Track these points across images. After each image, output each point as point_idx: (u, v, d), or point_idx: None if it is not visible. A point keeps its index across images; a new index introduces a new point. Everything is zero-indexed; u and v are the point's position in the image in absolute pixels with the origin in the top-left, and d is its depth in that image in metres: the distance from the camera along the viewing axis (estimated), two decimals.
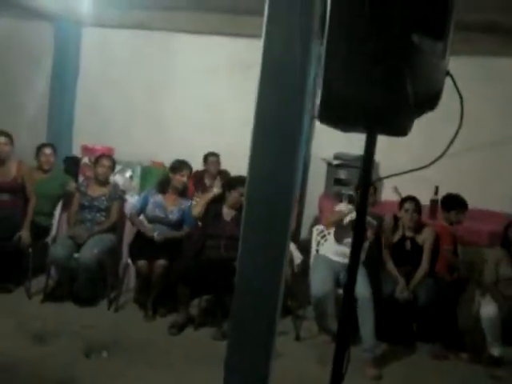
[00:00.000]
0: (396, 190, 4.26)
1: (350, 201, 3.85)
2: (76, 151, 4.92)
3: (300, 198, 4.68)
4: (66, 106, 5.20)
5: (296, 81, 1.24)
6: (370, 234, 3.43)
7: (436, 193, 4.05)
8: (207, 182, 4.46)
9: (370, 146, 1.24)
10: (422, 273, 3.42)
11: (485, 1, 3.34)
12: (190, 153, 4.19)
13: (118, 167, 4.27)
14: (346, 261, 3.39)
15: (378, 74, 1.09)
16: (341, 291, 3.37)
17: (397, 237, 3.59)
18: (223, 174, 4.35)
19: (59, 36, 5.13)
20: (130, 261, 3.61)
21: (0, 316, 3.26)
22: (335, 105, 1.17)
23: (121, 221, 3.96)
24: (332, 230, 3.62)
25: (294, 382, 2.78)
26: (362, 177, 1.28)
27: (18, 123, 4.68)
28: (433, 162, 1.22)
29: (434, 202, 4.02)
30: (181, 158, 3.89)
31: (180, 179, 3.71)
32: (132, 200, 4.13)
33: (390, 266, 3.47)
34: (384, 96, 1.11)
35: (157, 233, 3.55)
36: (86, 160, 4.56)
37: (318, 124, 1.28)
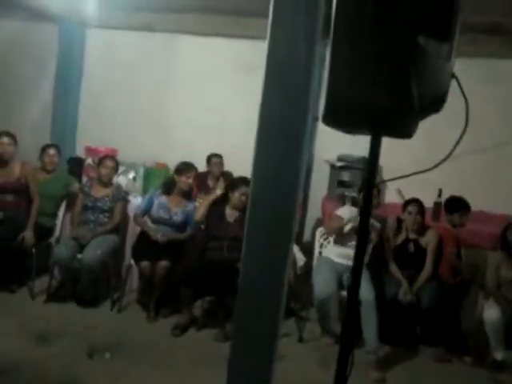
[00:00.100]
0: (399, 192, 4.25)
1: (353, 203, 3.85)
2: (80, 152, 4.93)
3: (303, 199, 4.68)
4: (69, 107, 5.22)
5: (300, 82, 1.24)
6: (373, 236, 3.42)
7: (439, 195, 4.04)
8: (210, 183, 4.46)
9: (375, 149, 1.24)
10: (426, 275, 3.41)
11: (488, 3, 3.33)
12: (193, 154, 4.20)
13: (121, 168, 4.28)
14: (349, 263, 3.38)
15: (383, 76, 1.08)
16: (344, 293, 3.36)
17: (400, 239, 3.58)
18: (226, 176, 4.35)
19: (63, 37, 5.15)
20: (132, 262, 3.62)
21: (3, 316, 3.26)
22: (340, 107, 1.17)
23: (124, 222, 3.96)
24: (332, 237, 3.62)
25: None
26: (367, 179, 1.28)
27: (22, 124, 4.70)
28: (437, 165, 1.22)
29: (437, 205, 4.00)
30: (184, 159, 3.90)
31: (185, 181, 3.72)
32: (135, 201, 4.14)
33: (394, 268, 3.46)
34: (389, 98, 1.11)
35: (160, 234, 3.56)
36: (89, 161, 4.57)
37: (321, 126, 1.27)
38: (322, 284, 3.29)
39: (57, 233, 3.91)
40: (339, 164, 4.44)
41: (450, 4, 1.04)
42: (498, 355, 3.14)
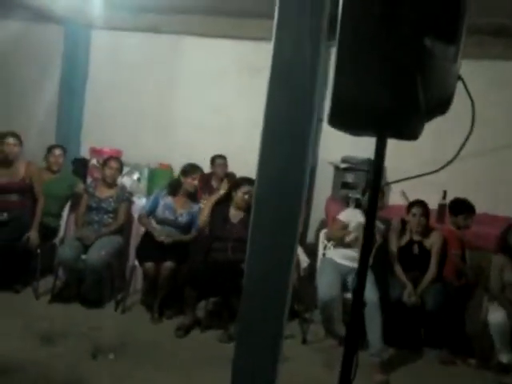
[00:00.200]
0: (403, 194, 4.24)
1: (357, 205, 3.84)
2: (84, 153, 4.95)
3: (307, 201, 4.67)
4: (74, 108, 5.24)
5: (306, 83, 1.24)
6: (377, 238, 3.41)
7: (444, 197, 4.03)
8: (214, 184, 4.47)
9: (380, 150, 1.23)
10: (430, 277, 3.40)
11: (494, 4, 3.33)
12: (197, 155, 4.20)
13: (125, 169, 4.29)
14: (353, 264, 3.38)
15: (389, 77, 1.08)
16: (348, 295, 3.36)
17: (404, 241, 3.57)
18: (230, 177, 4.36)
19: (69, 38, 5.17)
20: (137, 263, 3.62)
21: (8, 316, 3.27)
22: (345, 108, 1.17)
23: (128, 223, 3.97)
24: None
25: None
26: (372, 181, 1.27)
27: (27, 125, 4.73)
28: (443, 167, 1.22)
29: (441, 207, 3.99)
30: (188, 160, 3.91)
31: (191, 182, 3.73)
32: (139, 202, 4.15)
33: (398, 270, 3.45)
34: (395, 100, 1.11)
35: (165, 236, 3.56)
36: (94, 162, 4.59)
37: (325, 127, 1.27)
38: (326, 286, 3.28)
39: (61, 233, 3.92)
40: (343, 165, 4.44)
41: (457, 6, 1.03)
42: (504, 358, 3.12)
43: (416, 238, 3.54)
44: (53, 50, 5.16)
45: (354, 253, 3.42)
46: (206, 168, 4.47)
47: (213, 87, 5.00)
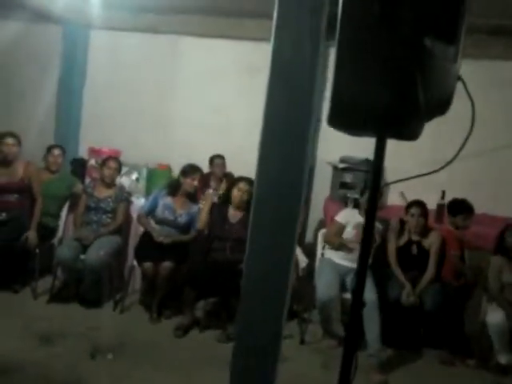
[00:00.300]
0: (402, 194, 4.24)
1: (356, 205, 3.84)
2: (83, 153, 4.95)
3: (305, 201, 4.68)
4: (73, 108, 5.24)
5: (305, 83, 1.24)
6: (376, 238, 3.42)
7: (443, 197, 4.04)
8: (213, 184, 4.47)
9: (380, 151, 1.23)
10: (429, 277, 3.39)
11: (493, 4, 3.33)
12: (196, 156, 4.20)
13: (124, 169, 4.29)
14: (351, 265, 3.39)
15: (388, 78, 1.08)
16: (346, 295, 3.36)
17: (403, 241, 3.57)
18: (228, 177, 4.36)
19: (67, 39, 5.17)
20: (135, 263, 3.62)
21: (6, 316, 3.27)
22: (345, 109, 1.17)
23: (127, 223, 3.97)
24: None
25: None
26: (372, 181, 1.27)
27: (25, 125, 4.71)
28: (442, 168, 1.22)
29: (440, 207, 4.00)
30: (187, 160, 3.92)
31: (191, 183, 3.73)
32: (138, 202, 4.15)
33: (396, 270, 3.45)
34: (395, 100, 1.11)
35: (164, 236, 3.56)
36: (92, 162, 4.59)
37: (324, 127, 1.27)
38: (325, 286, 3.29)
39: (60, 233, 3.92)
40: (342, 165, 4.44)
41: (457, 6, 1.03)
42: (502, 359, 3.12)
43: (414, 238, 3.54)
44: (51, 50, 5.15)
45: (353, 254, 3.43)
46: (205, 168, 4.47)
47: (212, 87, 4.99)
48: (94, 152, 4.66)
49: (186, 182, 3.73)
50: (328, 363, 3.06)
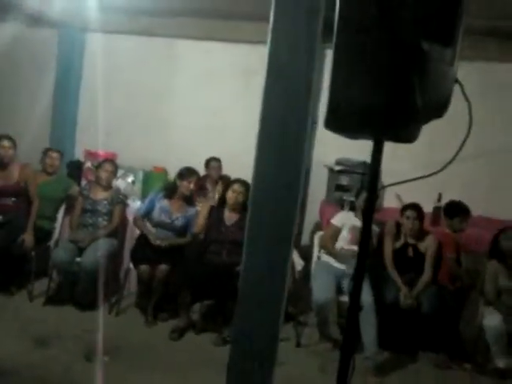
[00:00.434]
0: (398, 197, 4.25)
1: (352, 207, 3.85)
2: (79, 156, 4.94)
3: (301, 203, 4.67)
4: (69, 111, 5.23)
5: (301, 86, 1.24)
6: (372, 240, 3.42)
7: (439, 200, 4.04)
8: (208, 186, 4.47)
9: (377, 154, 1.24)
10: (426, 280, 3.39)
11: (487, 5, 3.35)
12: (192, 158, 4.20)
13: (120, 172, 4.28)
14: (347, 267, 3.39)
15: (386, 81, 1.08)
16: (342, 298, 3.36)
17: (399, 244, 3.57)
18: (224, 179, 4.36)
19: (63, 42, 5.17)
20: (131, 265, 3.61)
21: (2, 319, 3.26)
22: (342, 112, 1.17)
23: (122, 225, 3.96)
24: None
25: None
26: (369, 184, 1.27)
27: (21, 128, 4.70)
28: (439, 171, 1.22)
29: (436, 209, 4.00)
30: (182, 163, 3.91)
31: (187, 186, 3.72)
32: (134, 205, 4.14)
33: (393, 272, 3.45)
34: (392, 103, 1.11)
35: (160, 240, 3.55)
36: (88, 164, 4.58)
37: (319, 129, 1.28)
38: (321, 289, 3.28)
39: (56, 236, 3.90)
40: (338, 168, 4.44)
41: (454, 9, 1.04)
42: (500, 362, 3.11)
43: (410, 241, 3.54)
44: (47, 53, 5.15)
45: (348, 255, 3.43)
46: (201, 171, 4.47)
47: (208, 90, 5.00)
48: (90, 154, 4.65)
49: (182, 185, 3.73)
50: (325, 366, 3.05)
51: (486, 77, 4.29)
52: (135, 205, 4.14)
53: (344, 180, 4.44)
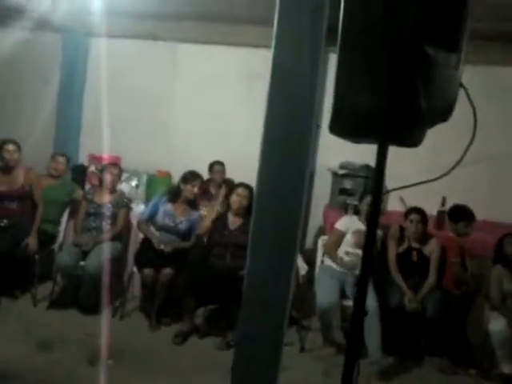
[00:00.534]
0: (402, 200, 4.24)
1: (356, 211, 3.84)
2: (83, 160, 4.95)
3: (305, 207, 4.67)
4: (73, 115, 5.26)
5: (305, 90, 1.24)
6: (376, 244, 3.41)
7: (443, 204, 4.03)
8: (212, 190, 4.47)
9: (382, 158, 1.23)
10: (430, 284, 3.37)
11: (490, 9, 3.34)
12: (195, 162, 4.21)
13: (124, 176, 4.29)
14: (350, 271, 3.38)
15: (390, 85, 1.08)
16: (346, 302, 3.34)
17: (403, 248, 3.56)
18: (228, 183, 4.36)
19: (67, 46, 5.20)
20: (135, 269, 3.61)
21: (6, 322, 3.26)
22: (347, 116, 1.17)
23: (126, 229, 3.96)
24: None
25: None
26: (374, 189, 1.27)
27: (26, 132, 4.72)
28: (443, 176, 1.22)
29: (441, 213, 3.99)
30: (186, 167, 3.91)
31: (191, 190, 3.72)
32: (137, 208, 4.15)
33: (397, 277, 3.43)
34: (397, 108, 1.10)
35: (164, 244, 3.55)
36: (92, 168, 4.59)
37: (323, 133, 1.28)
38: (325, 293, 3.27)
39: (60, 239, 3.91)
40: (341, 172, 4.43)
41: (459, 13, 1.04)
42: (505, 368, 3.08)
43: (414, 245, 3.53)
44: (51, 58, 5.18)
45: (353, 260, 3.43)
46: (204, 174, 4.47)
47: (212, 94, 5.01)
48: (94, 158, 4.67)
49: (186, 189, 3.73)
50: (329, 371, 3.04)
51: (488, 80, 4.28)
52: (139, 208, 4.15)
53: (348, 184, 4.43)
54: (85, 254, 3.58)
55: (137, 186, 4.66)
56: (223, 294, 3.23)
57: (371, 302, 3.07)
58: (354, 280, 3.27)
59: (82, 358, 2.88)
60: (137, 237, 3.92)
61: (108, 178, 3.85)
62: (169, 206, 3.74)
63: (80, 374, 2.74)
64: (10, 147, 3.64)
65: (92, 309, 3.55)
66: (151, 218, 3.75)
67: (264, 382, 1.37)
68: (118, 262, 3.77)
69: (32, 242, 3.61)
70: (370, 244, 1.31)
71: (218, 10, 4.40)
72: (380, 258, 3.51)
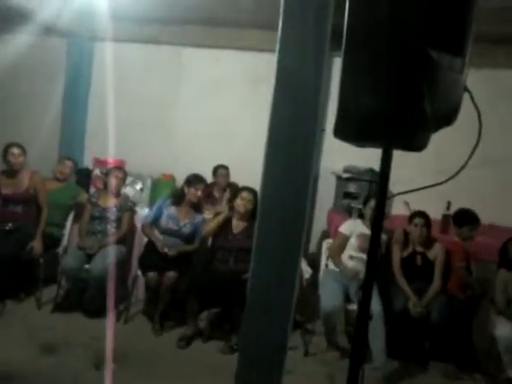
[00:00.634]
0: (407, 204, 4.23)
1: (360, 215, 3.83)
2: (88, 163, 4.97)
3: (309, 211, 4.66)
4: (78, 119, 5.28)
5: (310, 94, 1.24)
6: (381, 248, 3.40)
7: (448, 207, 4.01)
8: (216, 194, 4.48)
9: (386, 162, 1.23)
10: (435, 289, 3.35)
11: (495, 13, 3.34)
12: (200, 166, 4.21)
13: (128, 179, 4.30)
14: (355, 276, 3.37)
15: (395, 89, 1.08)
16: (351, 307, 3.33)
17: (407, 252, 3.55)
18: (232, 187, 4.36)
19: (72, 51, 5.23)
20: (139, 272, 3.61)
21: (11, 325, 3.27)
22: (351, 120, 1.17)
23: (131, 232, 3.97)
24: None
25: None
26: (378, 193, 1.27)
27: (31, 136, 4.74)
28: (448, 180, 1.21)
29: (446, 217, 3.97)
30: (190, 170, 3.92)
31: (195, 193, 3.73)
32: (142, 212, 4.16)
33: (401, 281, 3.42)
34: (402, 112, 1.10)
35: (168, 247, 3.55)
36: (97, 172, 4.61)
37: (327, 136, 1.28)
38: (329, 296, 3.27)
39: (64, 243, 3.92)
40: (345, 175, 4.43)
41: (464, 17, 1.03)
42: None
43: (419, 249, 3.52)
44: (57, 62, 5.21)
45: (357, 264, 3.42)
46: (208, 178, 4.48)
47: (216, 98, 5.02)
48: (98, 162, 4.69)
49: (189, 192, 3.74)
50: (333, 375, 3.03)
51: (493, 84, 4.27)
52: (143, 212, 4.16)
53: (352, 187, 4.42)
54: (89, 258, 3.59)
55: (141, 189, 4.67)
56: (226, 298, 3.23)
57: (376, 306, 3.06)
58: (358, 284, 3.26)
59: (86, 362, 2.89)
60: (141, 240, 3.92)
61: (113, 181, 3.85)
62: (172, 210, 3.75)
63: (84, 378, 2.74)
64: (15, 151, 3.66)
65: (96, 312, 3.55)
66: (155, 222, 3.75)
67: None
68: (122, 265, 3.77)
69: (37, 245, 3.63)
70: (375, 248, 1.31)
71: (222, 14, 4.42)
72: (384, 262, 3.50)
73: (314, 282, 3.69)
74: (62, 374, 2.75)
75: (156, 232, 3.73)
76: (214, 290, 3.29)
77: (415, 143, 1.19)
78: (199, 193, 3.75)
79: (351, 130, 1.20)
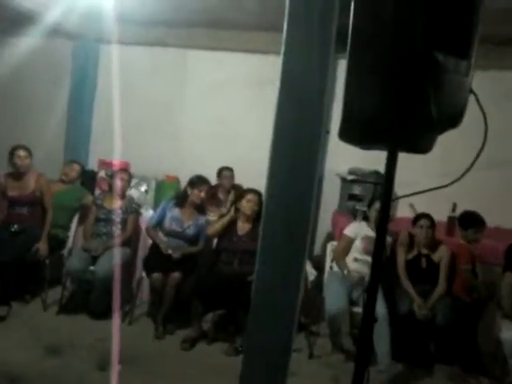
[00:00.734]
0: (412, 206, 4.21)
1: (364, 217, 3.82)
2: (93, 165, 4.99)
3: (314, 213, 4.66)
4: (83, 121, 5.30)
5: (314, 96, 1.24)
6: (385, 251, 3.39)
7: (454, 210, 3.99)
8: (221, 196, 4.48)
9: (392, 164, 1.23)
10: (440, 291, 3.34)
11: (501, 14, 3.33)
12: (204, 167, 4.22)
13: (133, 181, 4.32)
14: (359, 278, 3.36)
15: (401, 92, 1.08)
16: (355, 309, 3.32)
17: (412, 254, 3.53)
18: (236, 189, 4.37)
19: (78, 53, 5.26)
20: (144, 274, 3.62)
21: (16, 327, 3.28)
22: (357, 123, 1.16)
23: (135, 234, 3.98)
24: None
25: None
26: (383, 196, 1.26)
27: (37, 138, 4.77)
28: (453, 182, 1.21)
29: (451, 219, 3.96)
30: (195, 172, 3.93)
31: (198, 194, 3.73)
32: (146, 214, 4.17)
33: (406, 283, 3.41)
34: (407, 114, 1.10)
35: (172, 249, 3.55)
36: (102, 174, 4.63)
37: (332, 138, 1.28)
38: (334, 299, 3.26)
39: (69, 244, 3.94)
40: (350, 177, 4.42)
41: (469, 20, 1.03)
42: None
43: (424, 251, 3.51)
44: (62, 64, 5.24)
45: (362, 266, 3.41)
46: (213, 180, 4.48)
47: (221, 100, 5.03)
48: (103, 164, 4.70)
49: (193, 194, 3.74)
50: (338, 377, 3.02)
51: (499, 85, 4.25)
52: (148, 214, 4.17)
53: (356, 189, 4.41)
54: (94, 260, 3.60)
55: (146, 191, 4.69)
56: (231, 300, 3.23)
57: (381, 308, 3.05)
58: (363, 288, 3.25)
59: (91, 363, 2.89)
60: (146, 242, 3.93)
61: (118, 183, 3.87)
62: (176, 211, 3.75)
63: (89, 379, 2.75)
64: (21, 153, 3.68)
65: (102, 314, 3.56)
66: (159, 224, 3.76)
67: None
68: (127, 267, 3.78)
69: (42, 247, 3.64)
70: (380, 250, 1.30)
71: (227, 17, 4.43)
72: (389, 264, 3.49)
73: (318, 284, 3.68)
74: (67, 375, 2.76)
75: (160, 234, 3.74)
76: (218, 291, 3.29)
77: (420, 145, 1.18)
78: (202, 194, 3.76)
79: (356, 132, 1.20)
